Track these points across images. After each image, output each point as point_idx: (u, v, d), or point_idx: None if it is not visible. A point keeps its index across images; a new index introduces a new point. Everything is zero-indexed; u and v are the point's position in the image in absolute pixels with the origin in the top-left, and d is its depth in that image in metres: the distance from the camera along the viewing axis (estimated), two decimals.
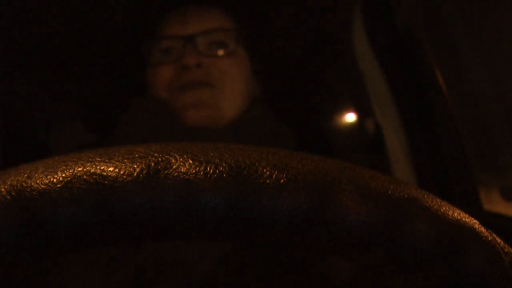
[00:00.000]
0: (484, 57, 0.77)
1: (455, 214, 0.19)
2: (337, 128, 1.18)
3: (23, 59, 0.78)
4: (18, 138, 0.79)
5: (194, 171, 0.17)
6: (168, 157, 0.17)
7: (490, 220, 0.84)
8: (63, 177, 0.17)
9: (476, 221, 0.19)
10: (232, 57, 0.69)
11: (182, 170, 0.17)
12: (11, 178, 0.17)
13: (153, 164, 0.17)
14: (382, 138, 1.01)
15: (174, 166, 0.17)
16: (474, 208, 0.88)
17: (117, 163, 0.17)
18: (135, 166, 0.17)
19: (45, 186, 0.17)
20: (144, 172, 0.17)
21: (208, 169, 0.17)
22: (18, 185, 0.17)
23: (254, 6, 0.72)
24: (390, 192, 0.18)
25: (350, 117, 1.14)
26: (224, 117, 0.68)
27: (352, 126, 1.13)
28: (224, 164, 0.17)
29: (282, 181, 0.18)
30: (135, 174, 0.17)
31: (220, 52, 0.69)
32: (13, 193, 0.17)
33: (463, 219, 0.19)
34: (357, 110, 1.10)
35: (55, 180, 0.17)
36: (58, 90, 0.81)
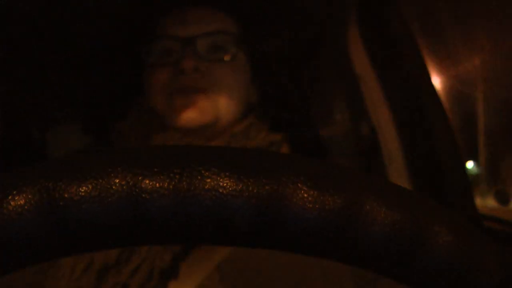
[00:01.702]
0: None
1: (467, 226, 0.19)
2: (332, 132, 1.19)
3: (20, 61, 0.78)
4: (15, 140, 0.78)
5: (225, 177, 0.17)
6: (200, 161, 0.17)
7: (485, 223, 0.85)
8: (93, 176, 0.17)
9: (479, 231, 0.20)
10: (232, 63, 0.67)
11: (213, 175, 0.17)
12: (40, 175, 0.17)
13: (186, 168, 0.17)
14: (377, 141, 1.01)
15: (206, 171, 0.17)
16: (469, 211, 0.88)
17: (150, 163, 0.17)
18: (168, 169, 0.17)
19: (74, 185, 0.17)
20: (177, 175, 0.17)
21: (240, 175, 0.17)
22: (47, 183, 0.17)
23: (254, 10, 0.71)
24: (413, 205, 0.18)
25: (345, 121, 1.15)
26: (218, 124, 0.66)
27: (347, 129, 1.13)
28: (255, 170, 0.18)
29: (311, 190, 0.18)
30: (168, 176, 0.17)
31: (220, 57, 0.66)
32: (41, 191, 0.17)
33: (467, 230, 0.19)
34: (352, 113, 1.10)
35: (85, 179, 0.17)
36: (56, 92, 0.80)
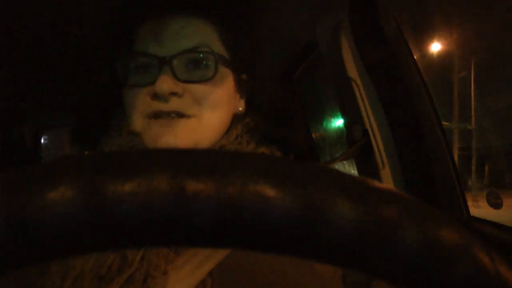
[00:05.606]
0: None
1: (445, 221, 0.19)
2: (325, 136, 1.19)
3: (14, 67, 0.78)
4: (8, 144, 0.78)
5: (184, 177, 0.17)
6: (158, 162, 0.17)
7: (476, 225, 0.85)
8: (54, 181, 0.17)
9: (465, 228, 0.19)
10: (213, 81, 0.61)
11: (172, 177, 0.17)
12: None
13: (144, 169, 0.17)
14: (370, 145, 1.01)
15: (164, 173, 0.17)
16: (461, 213, 0.89)
17: (110, 166, 0.17)
18: (127, 169, 0.17)
19: (35, 191, 0.17)
20: (136, 176, 0.17)
21: (198, 175, 0.17)
22: (6, 191, 0.17)
23: (240, 16, 0.67)
24: (378, 199, 0.18)
25: (339, 124, 1.15)
26: (201, 143, 0.62)
27: (340, 132, 1.13)
28: (213, 170, 0.18)
29: (270, 186, 0.18)
30: (126, 178, 0.17)
31: (200, 75, 0.60)
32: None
33: (453, 226, 0.19)
34: (345, 117, 1.11)
35: (46, 184, 0.17)
36: (49, 98, 0.80)
